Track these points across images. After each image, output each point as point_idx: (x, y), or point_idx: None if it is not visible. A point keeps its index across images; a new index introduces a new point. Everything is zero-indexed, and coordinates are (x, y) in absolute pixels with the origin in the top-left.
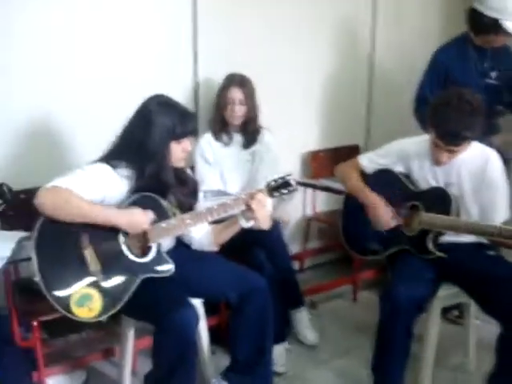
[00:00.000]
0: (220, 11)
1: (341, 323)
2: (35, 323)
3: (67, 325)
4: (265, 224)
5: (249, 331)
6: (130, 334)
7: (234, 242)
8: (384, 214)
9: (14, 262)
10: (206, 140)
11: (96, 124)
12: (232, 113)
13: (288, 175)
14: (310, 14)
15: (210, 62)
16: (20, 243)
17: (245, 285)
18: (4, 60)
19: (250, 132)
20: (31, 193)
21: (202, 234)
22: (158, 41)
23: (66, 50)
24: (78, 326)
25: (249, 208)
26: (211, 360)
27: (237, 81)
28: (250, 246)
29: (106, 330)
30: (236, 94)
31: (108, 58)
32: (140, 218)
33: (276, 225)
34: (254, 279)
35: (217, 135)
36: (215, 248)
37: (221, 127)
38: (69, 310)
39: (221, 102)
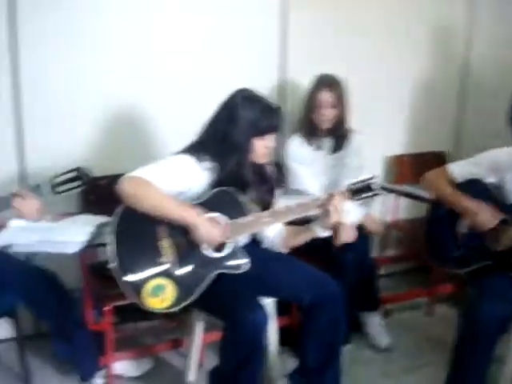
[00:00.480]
0: (311, 10)
1: (413, 336)
2: (108, 308)
3: (138, 311)
4: (346, 235)
5: (320, 336)
6: (200, 327)
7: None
8: (487, 212)
9: (91, 246)
10: (296, 143)
11: (179, 115)
12: (321, 116)
13: (371, 178)
14: (402, 17)
15: (299, 62)
16: (99, 228)
17: (319, 289)
18: (93, 50)
19: (339, 136)
20: (112, 179)
21: (274, 234)
22: (246, 36)
23: (154, 41)
24: (148, 313)
25: (325, 211)
26: (278, 361)
27: (327, 82)
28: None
29: (175, 321)
30: (326, 96)
31: (195, 51)
32: (216, 232)
33: (363, 228)
34: (329, 284)
35: (306, 138)
36: (285, 250)
37: (310, 130)
38: (141, 299)
39: (310, 104)
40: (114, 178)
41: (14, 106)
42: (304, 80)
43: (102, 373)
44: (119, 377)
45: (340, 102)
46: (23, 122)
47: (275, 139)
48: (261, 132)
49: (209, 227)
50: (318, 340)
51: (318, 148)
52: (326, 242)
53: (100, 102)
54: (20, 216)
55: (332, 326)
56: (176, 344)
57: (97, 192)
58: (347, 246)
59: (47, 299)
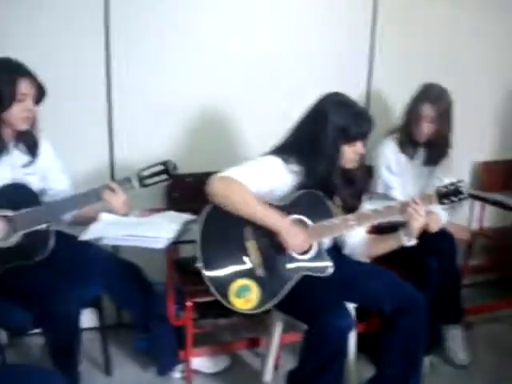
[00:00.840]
0: (400, 18)
1: (497, 350)
2: (189, 303)
3: (218, 308)
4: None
5: (401, 346)
6: (279, 328)
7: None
8: None
9: (177, 242)
10: (391, 149)
11: (265, 116)
12: (419, 129)
13: (460, 182)
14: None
15: (386, 70)
16: (186, 225)
17: (403, 298)
18: (183, 51)
19: (435, 151)
20: (197, 177)
21: (357, 241)
22: (333, 42)
23: (242, 42)
24: (227, 310)
25: (409, 215)
26: (355, 368)
27: (432, 96)
28: (422, 251)
29: (254, 320)
30: (427, 111)
31: (284, 53)
32: (299, 238)
33: (450, 234)
34: (413, 293)
35: (401, 145)
36: (366, 260)
37: (406, 138)
38: (227, 299)
39: (410, 113)
40: (199, 176)
41: (107, 100)
42: (390, 88)
43: (180, 367)
44: (196, 372)
45: (442, 118)
46: (114, 117)
47: (365, 145)
48: (351, 138)
49: (293, 233)
50: (397, 349)
51: (411, 158)
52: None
53: (188, 101)
54: (109, 209)
55: (413, 336)
56: (254, 343)
57: (181, 189)
58: (433, 250)
59: (131, 291)
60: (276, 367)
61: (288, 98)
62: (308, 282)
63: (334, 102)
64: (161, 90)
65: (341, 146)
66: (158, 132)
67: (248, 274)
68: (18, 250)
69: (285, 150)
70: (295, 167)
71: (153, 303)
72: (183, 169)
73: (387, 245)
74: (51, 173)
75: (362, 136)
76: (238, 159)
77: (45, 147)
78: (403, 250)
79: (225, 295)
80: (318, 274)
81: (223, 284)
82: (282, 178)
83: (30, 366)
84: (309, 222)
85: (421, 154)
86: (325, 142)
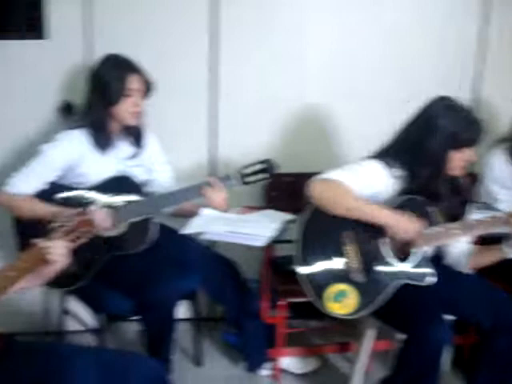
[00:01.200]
0: None
1: None
2: (283, 302)
3: (310, 310)
4: None
5: (496, 363)
6: (371, 334)
7: None
8: None
9: (275, 241)
10: (501, 161)
11: (366, 119)
12: None
13: None
14: None
15: (496, 78)
16: (285, 225)
17: (502, 315)
18: (287, 51)
19: None
20: (296, 177)
21: (460, 251)
22: (440, 45)
23: (345, 42)
24: (320, 313)
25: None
26: (448, 381)
27: None
28: None
29: (346, 324)
30: None
31: (385, 53)
32: (411, 225)
33: None
34: None
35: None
36: (469, 271)
37: None
38: (322, 302)
39: None
40: (298, 176)
41: (211, 97)
42: (500, 97)
43: (268, 365)
44: (284, 372)
45: None
46: (218, 115)
47: (474, 153)
48: (460, 145)
49: (406, 221)
50: (492, 366)
51: None
52: None
53: (290, 100)
54: (209, 205)
55: (509, 355)
56: (344, 347)
57: (280, 188)
58: None
59: (226, 286)
60: (366, 374)
61: (390, 100)
62: (408, 290)
63: (443, 107)
64: (263, 88)
65: (448, 153)
66: (258, 130)
67: (346, 278)
68: (122, 240)
69: (389, 154)
70: (399, 172)
71: (246, 299)
72: (282, 168)
73: (490, 256)
74: (155, 165)
75: (472, 143)
76: (338, 161)
77: (150, 140)
78: (509, 263)
79: (321, 298)
80: (418, 283)
81: (320, 287)
82: (385, 183)
83: (130, 352)
84: None
85: None
86: (432, 147)
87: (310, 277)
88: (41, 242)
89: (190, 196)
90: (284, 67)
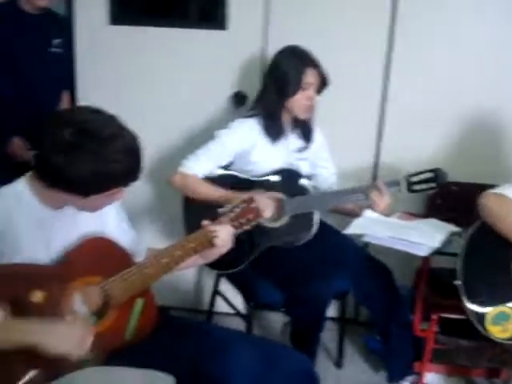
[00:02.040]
0: None
1: None
2: (435, 316)
3: (463, 328)
4: None
5: None
6: None
7: None
8: None
9: (437, 253)
10: None
11: None
12: None
13: None
14: None
15: None
16: (450, 236)
17: None
18: (454, 52)
19: None
20: (464, 187)
21: None
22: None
23: None
24: (473, 332)
25: None
26: None
27: None
28: None
29: (499, 348)
30: None
31: None
32: None
33: None
34: None
35: None
36: None
37: None
38: (482, 324)
39: None
40: (467, 186)
41: (381, 98)
42: None
43: (411, 378)
44: None
45: None
46: (385, 116)
47: None
48: None
49: None
50: None
51: None
52: None
53: (461, 106)
54: (372, 208)
55: None
56: (493, 373)
57: (445, 197)
58: None
59: (377, 291)
60: None
61: None
62: None
63: None
64: (434, 93)
65: None
66: (426, 136)
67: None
68: (283, 232)
69: None
70: None
71: (397, 308)
72: (450, 176)
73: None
74: (320, 160)
75: None
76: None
77: (318, 135)
78: None
79: (482, 320)
80: None
81: (482, 311)
82: None
83: (279, 342)
84: None
85: None
86: None
87: (469, 297)
88: (209, 225)
89: (356, 197)
90: (456, 69)
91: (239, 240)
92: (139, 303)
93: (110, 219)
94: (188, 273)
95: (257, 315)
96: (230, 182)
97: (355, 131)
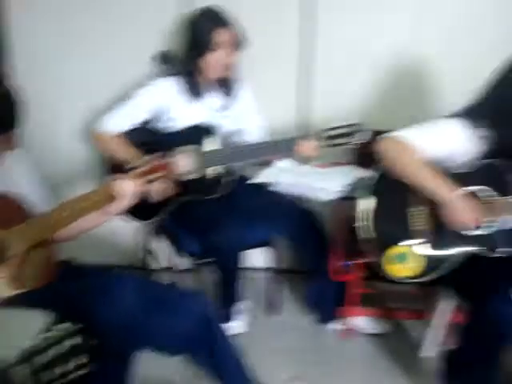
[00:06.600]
0: None
1: None
2: (356, 262)
3: None
4: None
5: None
6: (445, 304)
7: None
8: None
9: (349, 198)
10: None
11: (462, 70)
12: None
13: None
14: None
15: None
16: (358, 182)
17: None
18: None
19: None
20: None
21: None
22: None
23: None
24: None
25: None
26: None
27: None
28: None
29: (423, 291)
30: None
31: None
32: (467, 218)
33: None
34: None
35: None
36: None
37: None
38: (382, 262)
39: None
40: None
41: (303, 56)
42: None
43: (339, 321)
44: (356, 330)
45: None
46: (312, 71)
47: None
48: None
49: (460, 208)
50: None
51: None
52: None
53: (384, 52)
54: (297, 155)
55: None
56: (419, 314)
57: (371, 146)
58: None
59: (305, 237)
60: (439, 344)
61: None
62: (478, 260)
63: None
64: (357, 43)
65: None
66: (352, 88)
67: (409, 241)
68: (200, 184)
69: (473, 112)
70: (483, 132)
71: (323, 253)
72: (374, 125)
73: None
74: (247, 115)
75: None
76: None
77: (244, 91)
78: None
79: (381, 259)
80: (487, 253)
81: (381, 249)
82: (466, 143)
83: (181, 288)
84: (485, 195)
85: None
86: None
87: (373, 236)
88: (113, 180)
89: (280, 148)
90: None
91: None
92: (39, 253)
93: (20, 178)
94: (127, 229)
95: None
96: (145, 136)
97: (277, 87)
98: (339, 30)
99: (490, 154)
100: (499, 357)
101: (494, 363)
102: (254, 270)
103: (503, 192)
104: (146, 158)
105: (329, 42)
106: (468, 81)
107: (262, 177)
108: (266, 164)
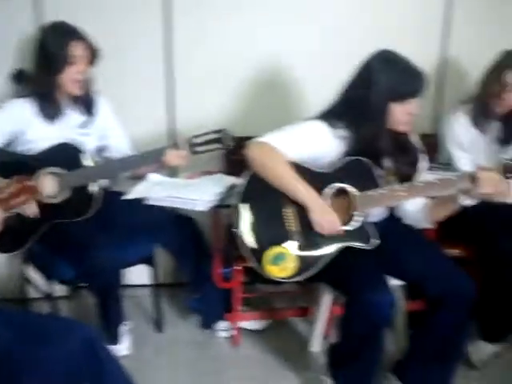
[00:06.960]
0: None
1: None
2: (237, 268)
3: None
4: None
5: (433, 333)
6: (327, 299)
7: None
8: None
9: (224, 206)
10: (462, 124)
11: (327, 78)
12: (502, 100)
13: None
14: None
15: (464, 36)
16: (230, 189)
17: (449, 285)
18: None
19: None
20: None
21: (417, 208)
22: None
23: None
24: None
25: (474, 182)
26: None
27: None
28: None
29: (305, 289)
30: None
31: (348, 12)
32: (332, 223)
33: None
34: (463, 283)
35: (475, 119)
36: (430, 225)
37: (480, 111)
38: (261, 265)
39: (491, 85)
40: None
41: (166, 67)
42: (467, 57)
43: (226, 326)
44: (244, 331)
45: None
46: (174, 79)
47: (417, 105)
48: (398, 96)
49: (322, 212)
50: (429, 336)
51: (483, 133)
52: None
53: (241, 62)
54: (164, 166)
55: (452, 327)
56: (303, 311)
57: (239, 153)
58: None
59: (187, 245)
60: (325, 338)
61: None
62: (350, 254)
63: (380, 60)
64: (220, 52)
65: (388, 106)
66: (216, 96)
67: (285, 242)
68: (64, 207)
69: (332, 114)
70: (343, 132)
71: (205, 260)
72: (243, 131)
73: (447, 207)
74: (110, 131)
75: (412, 94)
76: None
77: (102, 106)
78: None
79: (260, 261)
80: (361, 246)
81: (259, 251)
82: (328, 143)
83: (63, 317)
84: (353, 191)
85: (494, 129)
86: (372, 102)
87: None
88: None
89: (147, 161)
90: (236, 29)
91: (22, 219)
92: None
93: None
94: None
95: (75, 296)
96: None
97: (146, 100)
98: (198, 42)
99: (351, 153)
100: (379, 342)
101: (375, 349)
102: (137, 287)
103: (375, 185)
104: (7, 181)
105: (188, 55)
106: (329, 85)
107: (135, 192)
108: (139, 178)
